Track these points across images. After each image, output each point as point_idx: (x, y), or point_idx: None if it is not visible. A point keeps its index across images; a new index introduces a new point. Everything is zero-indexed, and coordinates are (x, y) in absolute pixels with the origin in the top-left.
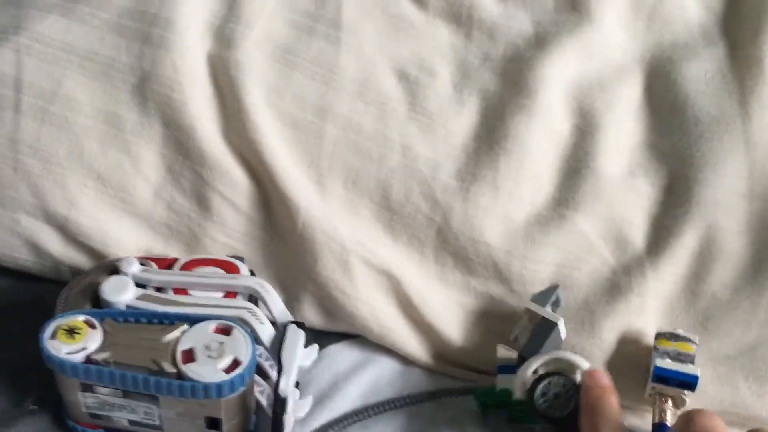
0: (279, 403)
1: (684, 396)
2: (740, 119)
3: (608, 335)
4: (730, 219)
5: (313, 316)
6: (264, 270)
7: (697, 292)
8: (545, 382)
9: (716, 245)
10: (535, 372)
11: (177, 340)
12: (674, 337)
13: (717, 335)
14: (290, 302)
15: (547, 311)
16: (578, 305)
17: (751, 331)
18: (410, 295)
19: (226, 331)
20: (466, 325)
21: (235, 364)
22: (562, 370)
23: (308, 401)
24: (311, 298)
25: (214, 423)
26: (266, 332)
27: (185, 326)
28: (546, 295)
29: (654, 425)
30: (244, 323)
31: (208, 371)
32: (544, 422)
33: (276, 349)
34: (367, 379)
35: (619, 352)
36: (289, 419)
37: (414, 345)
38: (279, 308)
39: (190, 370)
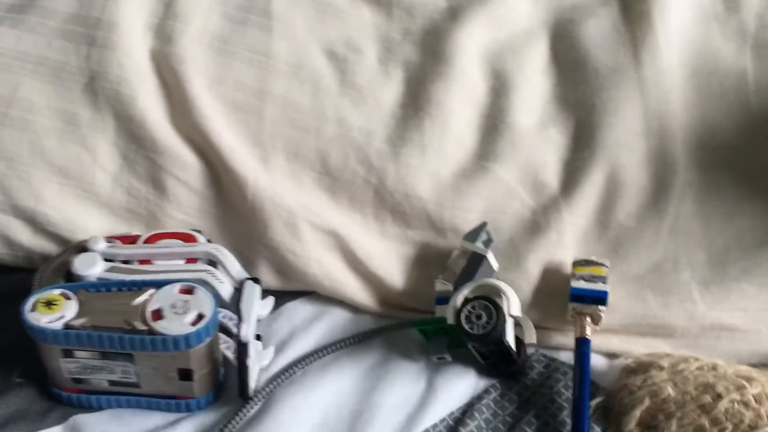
0: (242, 349)
1: (600, 312)
2: (633, 67)
3: (533, 268)
4: (630, 156)
5: (269, 278)
6: (220, 241)
7: (606, 223)
8: (469, 305)
9: (620, 180)
10: (466, 298)
11: (146, 303)
12: (588, 263)
13: (627, 259)
14: (247, 268)
15: (476, 246)
16: (505, 244)
17: (655, 252)
18: (355, 250)
19: (189, 291)
20: (407, 271)
21: (200, 317)
22: (487, 295)
23: (270, 351)
24: (265, 262)
25: (186, 374)
26: (226, 289)
27: (152, 290)
28: (476, 233)
29: (576, 339)
30: (205, 283)
31: (176, 325)
32: (470, 341)
33: (235, 303)
34: (322, 328)
35: (543, 282)
36: (254, 367)
37: (361, 294)
38: (236, 268)
39: (160, 326)
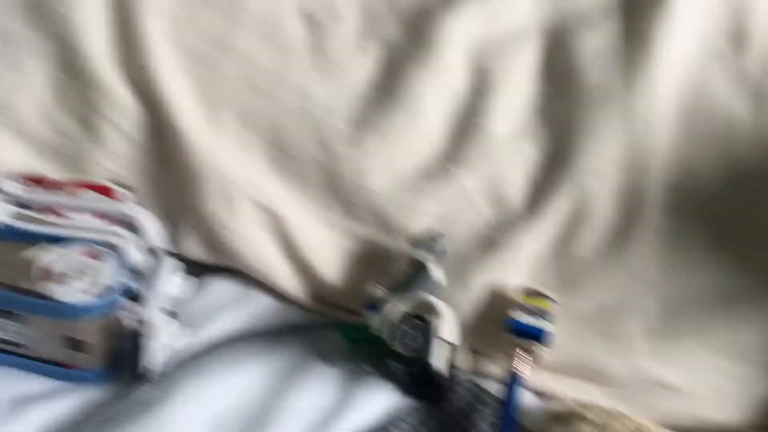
0: (142, 328)
1: (539, 350)
2: (624, 92)
3: (478, 287)
4: (602, 186)
5: (195, 249)
6: (149, 199)
7: (565, 253)
8: (402, 323)
9: (587, 210)
10: (399, 312)
11: (44, 261)
12: (537, 294)
13: (577, 294)
14: (174, 233)
15: (421, 254)
16: (453, 257)
17: (608, 293)
18: (292, 234)
19: (94, 255)
20: (345, 267)
21: (100, 287)
22: (422, 313)
23: (183, 332)
24: (194, 230)
25: (76, 344)
26: (137, 259)
27: (55, 247)
28: (425, 240)
29: (509, 373)
30: (115, 249)
31: (71, 292)
32: (396, 361)
33: (146, 275)
34: (243, 313)
35: (486, 304)
36: (155, 347)
37: (292, 283)
38: (155, 237)
39: (54, 290)
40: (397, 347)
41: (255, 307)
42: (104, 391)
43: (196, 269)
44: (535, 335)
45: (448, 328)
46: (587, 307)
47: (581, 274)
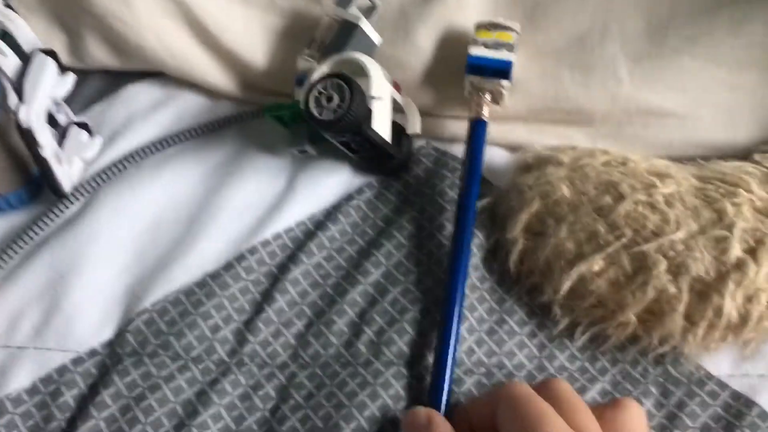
0: (26, 137)
1: (501, 88)
2: None
3: (424, 41)
4: None
5: (102, 55)
6: (40, 9)
7: None
8: (320, 85)
9: None
10: (318, 76)
11: None
12: (493, 26)
13: (545, 27)
14: (75, 43)
15: (348, 12)
16: (393, 13)
17: (581, 19)
18: (204, 20)
19: None
20: (271, 46)
21: None
22: (344, 73)
23: (96, 142)
24: (94, 33)
25: None
26: (10, 64)
27: None
28: None
29: (470, 121)
30: None
31: None
32: (319, 128)
33: (25, 81)
34: (168, 115)
35: (437, 59)
36: (59, 158)
37: (216, 75)
38: (28, 38)
39: None
40: (318, 114)
41: (182, 108)
42: (26, 216)
43: (116, 80)
44: (498, 69)
45: (375, 84)
46: (557, 39)
47: (546, 3)
